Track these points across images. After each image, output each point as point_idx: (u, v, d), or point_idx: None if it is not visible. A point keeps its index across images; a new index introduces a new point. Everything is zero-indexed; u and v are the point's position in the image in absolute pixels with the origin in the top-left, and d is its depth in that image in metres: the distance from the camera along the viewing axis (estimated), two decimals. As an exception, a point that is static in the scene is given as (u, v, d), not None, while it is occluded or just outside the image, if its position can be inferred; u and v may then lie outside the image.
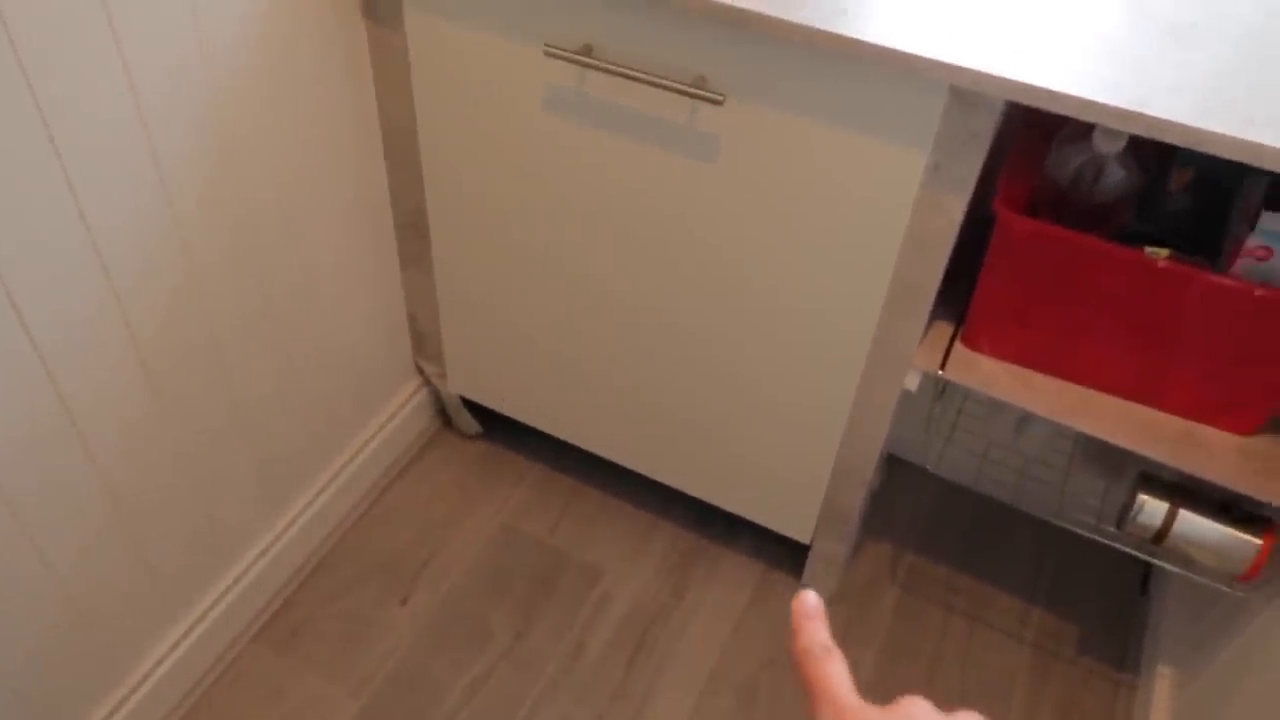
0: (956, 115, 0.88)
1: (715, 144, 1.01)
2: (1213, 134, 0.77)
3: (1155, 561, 1.18)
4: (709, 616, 1.38)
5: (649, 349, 1.25)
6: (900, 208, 0.96)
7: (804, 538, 1.35)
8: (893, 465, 1.55)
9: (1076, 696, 1.31)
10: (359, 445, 1.42)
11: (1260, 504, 1.01)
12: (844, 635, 1.35)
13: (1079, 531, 1.21)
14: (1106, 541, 1.18)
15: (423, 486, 1.51)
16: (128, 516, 1.05)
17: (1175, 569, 1.16)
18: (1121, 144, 0.94)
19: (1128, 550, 1.18)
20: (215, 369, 1.10)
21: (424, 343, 1.46)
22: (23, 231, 0.83)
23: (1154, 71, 0.84)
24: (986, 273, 1.02)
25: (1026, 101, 0.82)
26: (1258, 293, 0.89)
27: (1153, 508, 1.08)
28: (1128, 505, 1.10)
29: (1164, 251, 0.95)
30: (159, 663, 1.17)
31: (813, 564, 1.37)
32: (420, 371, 1.51)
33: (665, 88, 0.96)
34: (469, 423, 1.56)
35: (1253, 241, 0.90)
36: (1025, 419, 1.40)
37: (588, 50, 1.00)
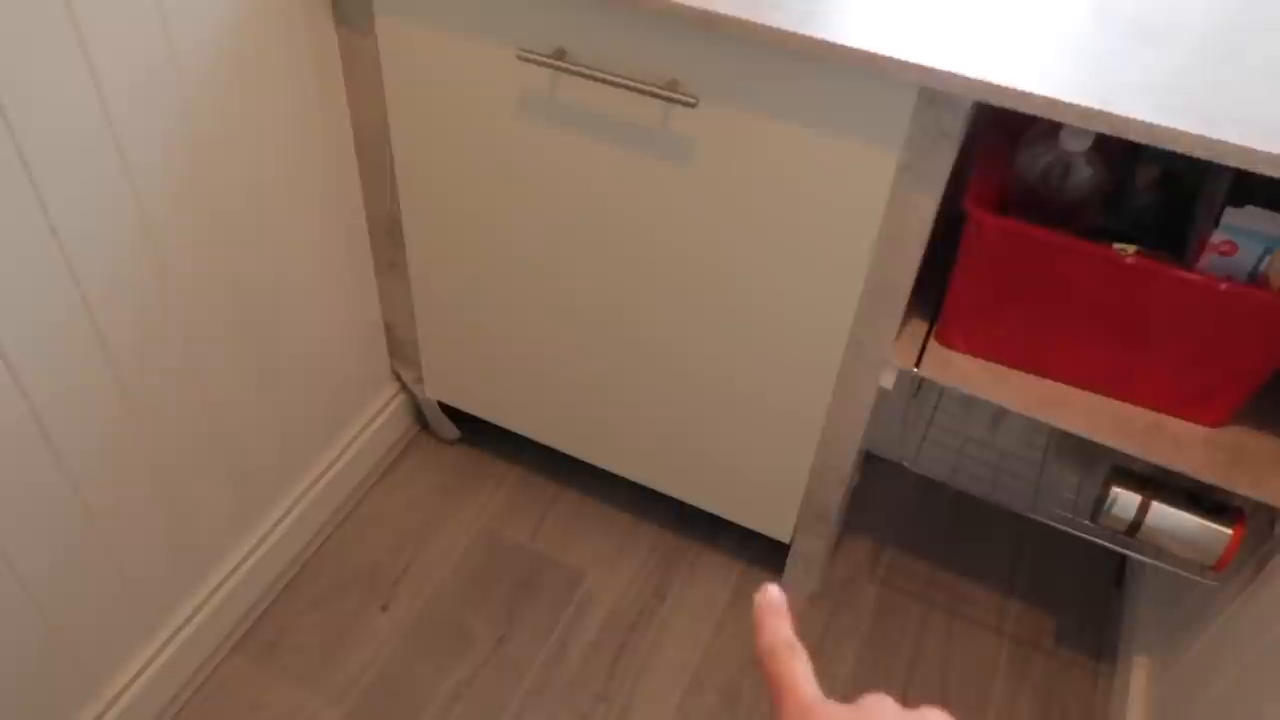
0: (927, 115, 0.89)
1: (688, 146, 1.02)
2: (1176, 132, 0.78)
3: (1129, 553, 1.19)
4: (691, 617, 1.38)
5: (626, 351, 1.25)
6: (873, 207, 0.97)
7: (784, 536, 1.35)
8: (870, 462, 1.56)
9: (1055, 687, 1.33)
10: (336, 452, 1.42)
11: (1230, 494, 1.03)
12: (825, 632, 1.36)
13: (1054, 525, 1.22)
14: (1081, 534, 1.20)
15: (402, 492, 1.50)
16: (101, 528, 1.04)
17: (1149, 560, 1.18)
18: (1088, 142, 0.95)
19: (1102, 542, 1.20)
20: (189, 377, 1.09)
21: (400, 348, 1.45)
22: (-10, 242, 0.81)
23: (1119, 71, 0.86)
24: (959, 270, 1.03)
25: (995, 101, 0.83)
26: (1222, 286, 0.91)
27: (1126, 500, 1.10)
28: (1101, 498, 1.12)
29: (1131, 247, 0.96)
30: (135, 677, 1.15)
31: (793, 562, 1.38)
32: (397, 377, 1.50)
33: (638, 91, 0.96)
34: (447, 428, 1.56)
35: (1217, 237, 0.91)
36: (1000, 414, 1.41)
37: (560, 54, 1.00)
